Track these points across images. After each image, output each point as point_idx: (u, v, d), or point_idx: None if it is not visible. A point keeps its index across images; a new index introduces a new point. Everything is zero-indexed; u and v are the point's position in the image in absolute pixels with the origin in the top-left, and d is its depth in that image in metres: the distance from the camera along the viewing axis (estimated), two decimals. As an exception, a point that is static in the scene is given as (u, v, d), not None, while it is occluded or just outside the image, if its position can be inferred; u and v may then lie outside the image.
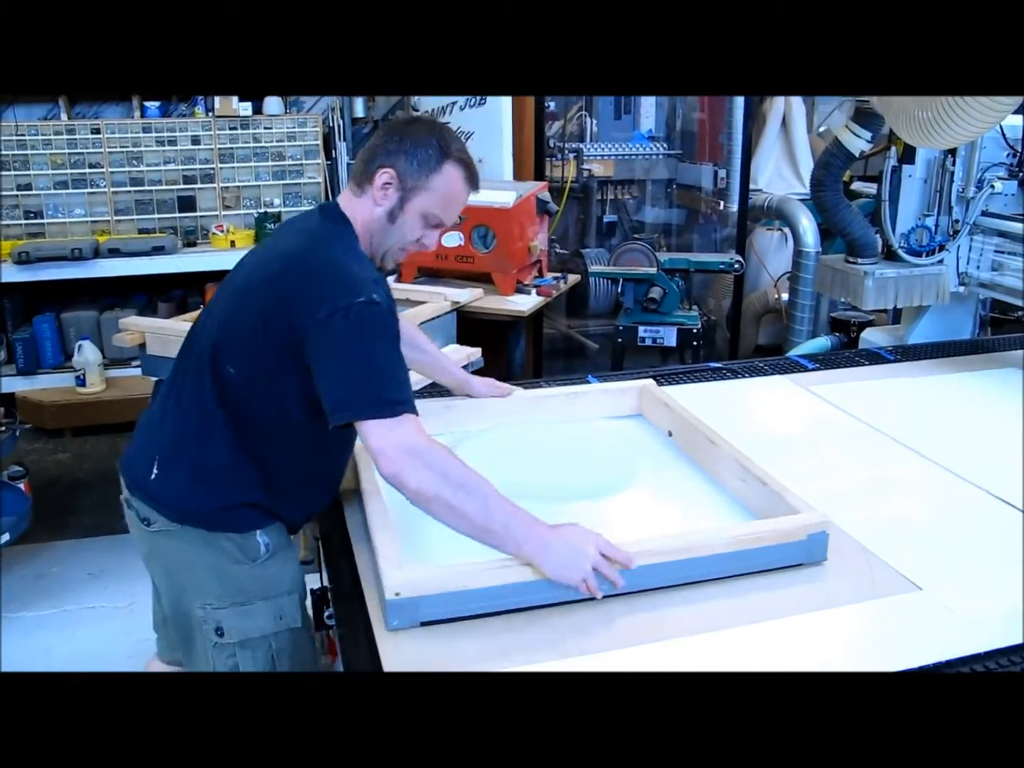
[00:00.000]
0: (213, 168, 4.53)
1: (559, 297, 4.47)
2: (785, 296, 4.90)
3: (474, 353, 3.40)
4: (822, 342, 3.46)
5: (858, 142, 2.52)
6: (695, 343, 3.90)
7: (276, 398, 1.42)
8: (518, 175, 4.30)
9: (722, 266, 3.89)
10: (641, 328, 3.91)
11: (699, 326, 3.90)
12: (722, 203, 4.92)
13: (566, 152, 4.77)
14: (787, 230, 4.90)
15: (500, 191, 3.72)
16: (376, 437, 1.28)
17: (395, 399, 1.30)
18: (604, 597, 1.31)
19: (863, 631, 1.31)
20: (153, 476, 1.46)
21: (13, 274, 4.04)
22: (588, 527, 1.34)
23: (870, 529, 1.57)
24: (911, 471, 1.82)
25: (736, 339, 4.82)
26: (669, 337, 3.92)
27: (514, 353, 3.94)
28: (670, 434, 1.93)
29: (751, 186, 5.02)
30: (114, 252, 4.18)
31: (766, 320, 5.22)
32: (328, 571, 1.48)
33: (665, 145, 5.25)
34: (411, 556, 1.42)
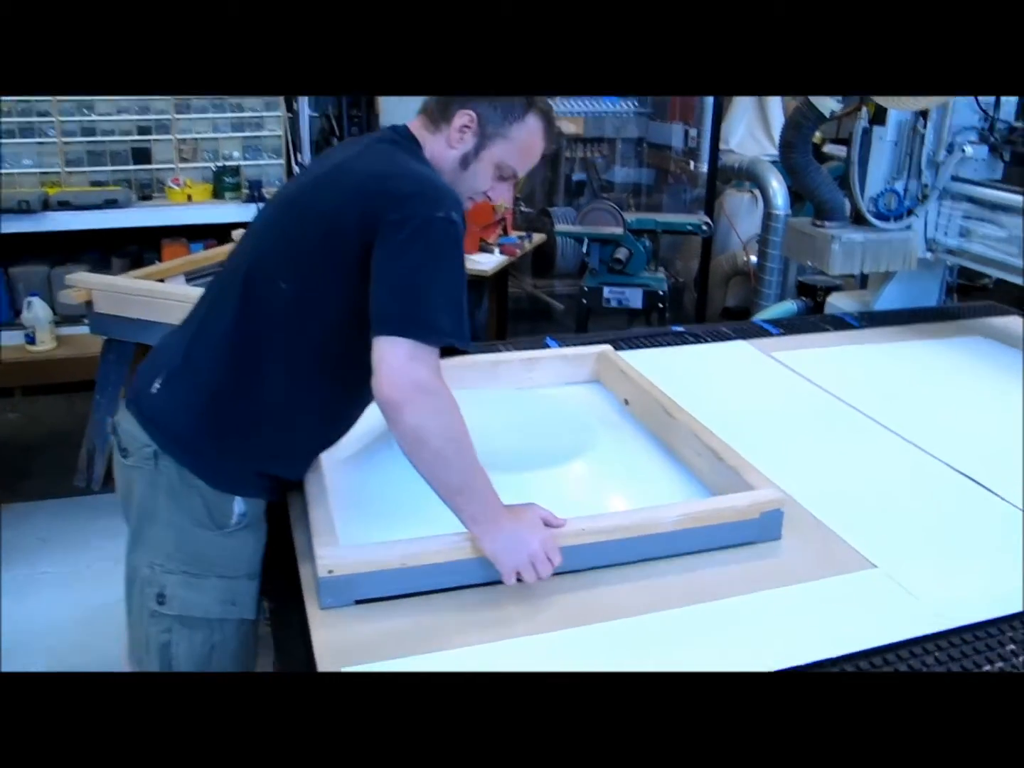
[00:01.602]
0: (169, 119, 4.36)
1: (524, 256, 4.40)
2: (754, 259, 4.85)
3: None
4: (788, 306, 3.41)
5: (829, 102, 2.44)
6: (661, 305, 3.84)
7: (327, 320, 1.28)
8: (484, 131, 4.19)
9: (690, 227, 3.82)
10: (606, 289, 3.84)
11: (665, 288, 3.84)
12: (692, 163, 4.84)
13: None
14: (757, 192, 4.83)
15: (464, 147, 3.62)
16: (398, 356, 1.15)
17: (443, 327, 1.18)
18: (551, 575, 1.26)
19: (814, 610, 1.27)
20: (154, 389, 1.32)
21: (-43, 225, 3.87)
22: (543, 508, 1.29)
23: (828, 504, 1.53)
24: (873, 444, 1.78)
25: (703, 301, 4.76)
26: (635, 299, 3.86)
27: (476, 314, 3.86)
28: (626, 403, 1.88)
29: (722, 147, 4.94)
30: (64, 205, 4.01)
31: (734, 283, 5.18)
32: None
33: (636, 103, 5.15)
34: (349, 532, 1.36)
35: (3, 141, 4.16)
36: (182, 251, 4.20)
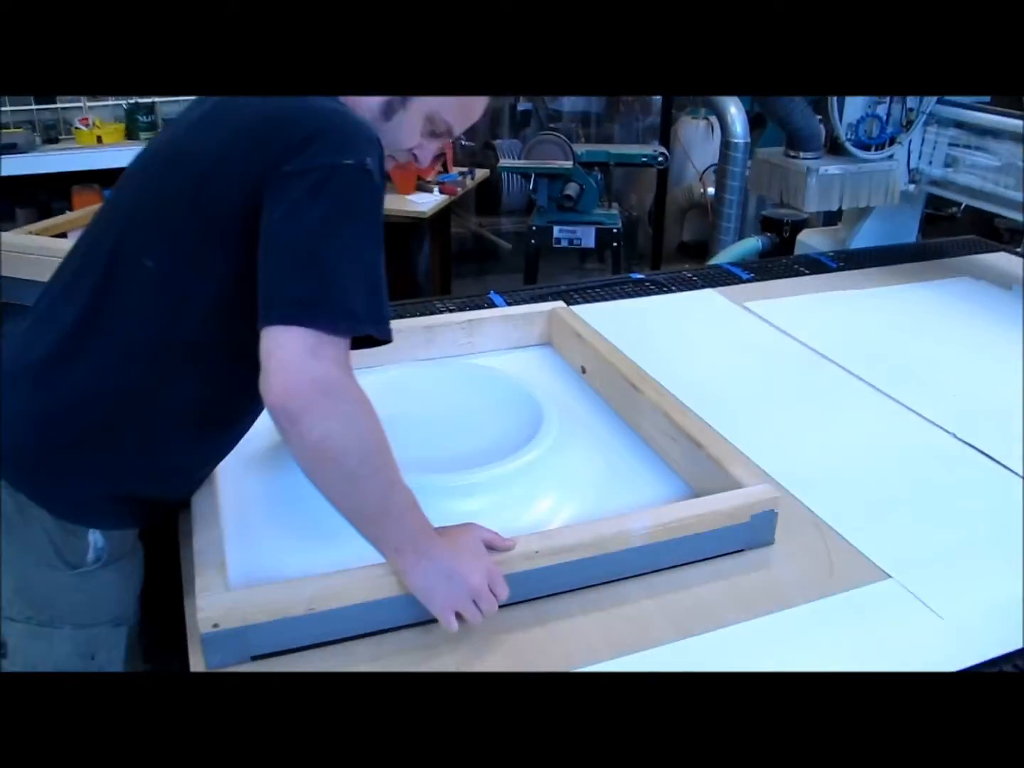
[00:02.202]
0: (67, 48, 3.92)
1: (467, 193, 4.08)
2: (711, 190, 4.58)
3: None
4: (752, 243, 3.16)
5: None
6: (615, 244, 3.57)
7: (202, 305, 0.98)
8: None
9: (645, 159, 3.52)
10: (556, 228, 3.55)
11: (619, 226, 3.56)
12: (645, 88, 4.51)
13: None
14: (714, 119, 4.54)
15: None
16: (294, 350, 0.86)
17: (355, 311, 0.89)
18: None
19: (821, 640, 1.03)
20: None
21: None
22: (485, 528, 1.03)
23: (822, 493, 1.29)
24: (868, 412, 1.54)
25: (660, 238, 4.50)
26: (587, 238, 3.57)
27: (417, 260, 3.56)
28: (583, 371, 1.61)
29: (676, 69, 4.62)
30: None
31: (691, 216, 4.92)
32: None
33: (583, 23, 4.78)
34: (252, 558, 1.10)
35: None
36: (94, 199, 3.82)
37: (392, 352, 1.60)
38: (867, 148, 2.23)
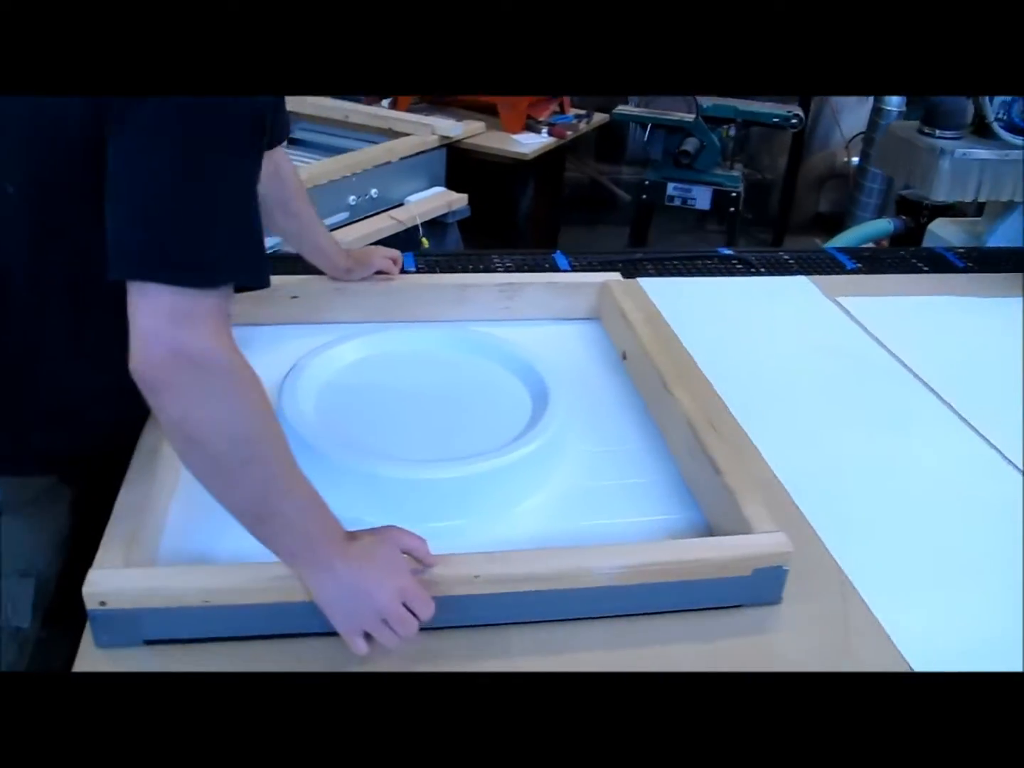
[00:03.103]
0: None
1: (587, 137, 3.85)
2: (856, 160, 4.19)
3: (457, 200, 2.88)
4: (882, 225, 2.84)
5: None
6: (732, 208, 3.29)
7: (72, 238, 0.88)
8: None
9: (776, 120, 3.20)
10: (670, 185, 3.30)
11: (740, 189, 3.27)
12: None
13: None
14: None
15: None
16: (152, 312, 0.74)
17: (217, 261, 0.77)
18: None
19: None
20: None
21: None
22: (408, 534, 0.88)
23: (859, 543, 1.08)
24: (946, 450, 1.30)
25: (788, 205, 4.15)
26: (702, 199, 3.31)
27: (519, 204, 3.38)
28: (624, 356, 1.43)
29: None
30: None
31: (831, 185, 4.53)
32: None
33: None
34: (185, 534, 0.99)
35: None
36: None
37: (413, 309, 1.47)
38: (1021, 133, 1.91)
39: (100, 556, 0.88)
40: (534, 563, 0.90)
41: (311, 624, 0.88)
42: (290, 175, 1.32)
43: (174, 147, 0.75)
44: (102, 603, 0.85)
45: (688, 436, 1.14)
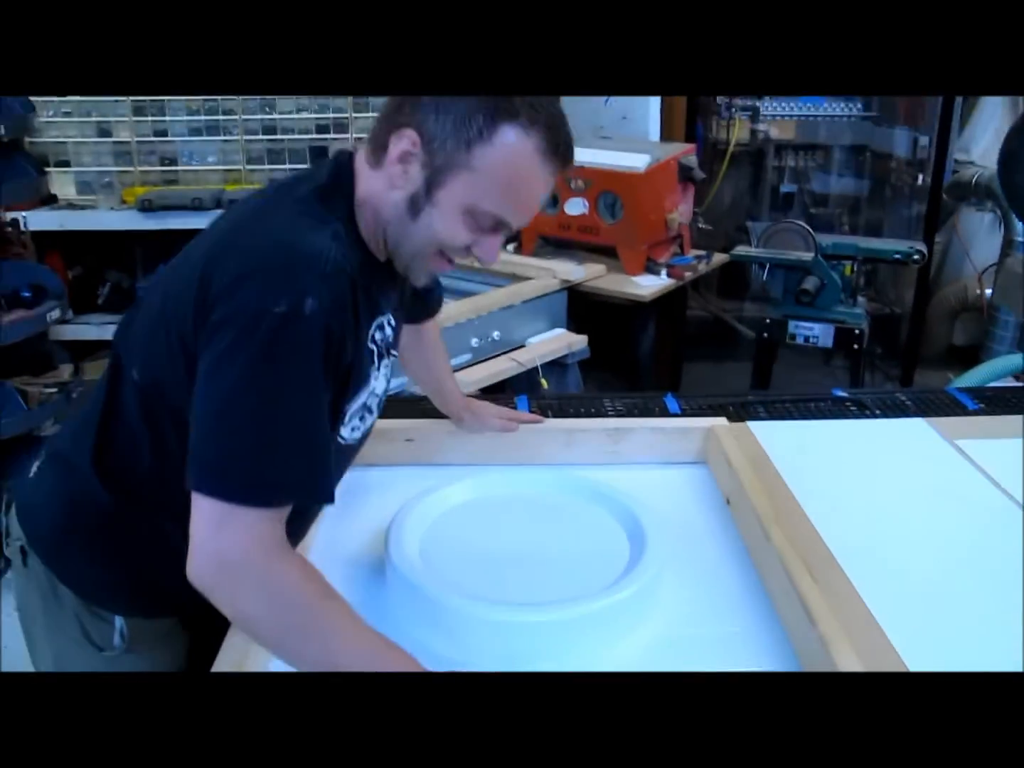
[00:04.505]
0: (347, 117, 4.28)
1: (709, 274, 3.93)
2: (989, 292, 4.09)
3: (577, 341, 2.98)
4: (1014, 362, 2.75)
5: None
6: (855, 346, 3.25)
7: (177, 415, 0.99)
8: (667, 135, 3.76)
9: (898, 256, 3.19)
10: (792, 324, 3.30)
11: (863, 326, 3.24)
12: (920, 176, 4.13)
13: (734, 110, 4.16)
14: (1000, 212, 4.06)
15: (633, 153, 3.22)
16: (202, 521, 0.84)
17: (270, 481, 0.85)
18: None
19: None
20: (32, 472, 1.09)
21: (138, 222, 3.97)
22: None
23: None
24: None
25: (917, 339, 4.06)
26: (825, 337, 3.29)
27: (640, 341, 3.45)
28: (728, 501, 1.44)
29: (962, 157, 4.21)
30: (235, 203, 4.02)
31: (965, 318, 4.41)
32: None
33: (860, 105, 4.49)
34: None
35: (191, 139, 4.24)
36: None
37: (522, 452, 1.54)
38: None
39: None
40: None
41: None
42: (430, 330, 1.44)
43: (242, 370, 0.85)
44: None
45: (784, 582, 1.14)
